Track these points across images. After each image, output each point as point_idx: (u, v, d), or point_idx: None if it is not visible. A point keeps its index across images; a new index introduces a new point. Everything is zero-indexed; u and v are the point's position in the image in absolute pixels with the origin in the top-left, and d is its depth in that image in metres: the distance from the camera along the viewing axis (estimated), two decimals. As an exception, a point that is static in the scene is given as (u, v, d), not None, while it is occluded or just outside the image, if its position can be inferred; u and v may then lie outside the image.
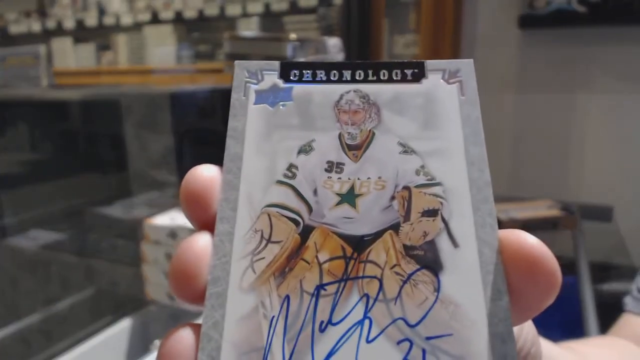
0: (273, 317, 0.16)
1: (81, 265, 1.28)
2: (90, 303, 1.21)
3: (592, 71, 1.47)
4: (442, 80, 0.19)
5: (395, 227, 0.17)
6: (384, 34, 1.46)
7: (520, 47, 1.55)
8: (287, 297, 0.16)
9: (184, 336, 0.16)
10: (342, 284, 0.16)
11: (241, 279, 0.16)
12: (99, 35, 2.78)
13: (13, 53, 1.33)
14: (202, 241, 0.17)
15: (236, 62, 0.20)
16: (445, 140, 0.18)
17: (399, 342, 0.15)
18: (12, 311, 1.25)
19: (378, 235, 0.17)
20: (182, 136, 1.36)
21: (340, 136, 0.18)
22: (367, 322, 0.16)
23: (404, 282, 0.16)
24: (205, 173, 0.18)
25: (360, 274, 0.16)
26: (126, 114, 1.43)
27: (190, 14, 2.47)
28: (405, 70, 0.19)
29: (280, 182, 0.18)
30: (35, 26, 2.86)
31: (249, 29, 2.28)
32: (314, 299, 0.16)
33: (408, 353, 0.15)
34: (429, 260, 0.16)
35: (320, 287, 0.16)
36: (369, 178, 0.18)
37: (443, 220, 0.17)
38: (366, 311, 0.16)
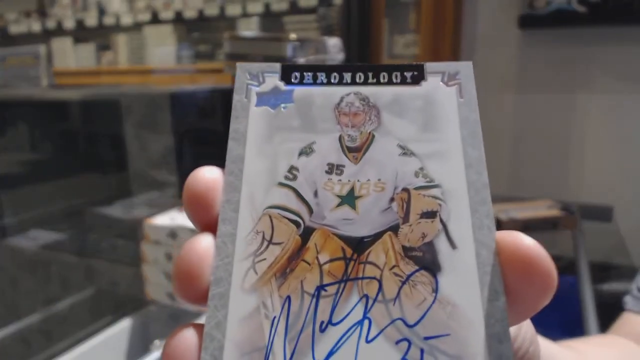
0: (274, 317, 0.16)
1: (81, 265, 1.28)
2: (90, 303, 1.21)
3: (592, 71, 1.47)
4: (441, 83, 0.19)
5: (394, 229, 0.17)
6: (384, 34, 1.46)
7: (520, 47, 1.55)
8: (288, 297, 0.16)
9: (187, 336, 0.16)
10: (342, 284, 0.17)
11: (243, 280, 0.17)
12: (99, 35, 2.78)
13: (13, 53, 1.33)
14: (205, 242, 0.17)
15: (238, 64, 0.20)
16: (444, 143, 0.18)
17: (397, 342, 0.16)
18: (12, 311, 1.25)
19: (377, 236, 0.17)
20: (182, 136, 1.36)
21: (340, 138, 0.19)
22: (366, 322, 0.16)
23: (403, 283, 0.16)
24: (208, 175, 0.18)
25: (360, 275, 0.17)
26: (126, 114, 1.43)
27: (190, 14, 2.47)
28: (405, 73, 0.19)
29: (281, 184, 0.18)
30: (35, 26, 2.86)
31: (249, 29, 2.28)
32: (314, 299, 0.16)
33: (406, 353, 0.16)
34: (427, 262, 0.17)
35: (321, 287, 0.17)
36: (368, 180, 0.18)
37: (441, 221, 0.17)
38: (366, 311, 0.16)
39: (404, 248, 0.17)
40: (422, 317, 0.16)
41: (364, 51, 1.24)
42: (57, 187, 1.39)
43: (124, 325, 0.94)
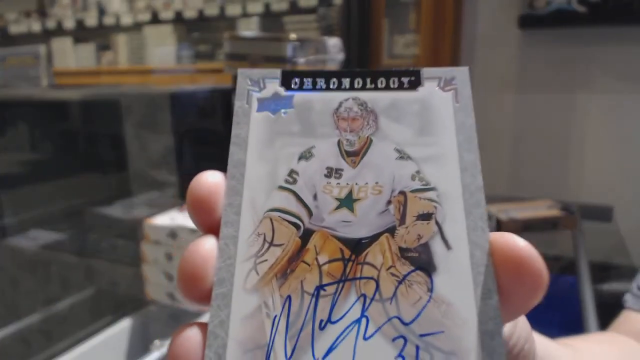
0: (275, 316, 0.17)
1: (81, 265, 1.28)
2: (90, 303, 1.21)
3: (592, 71, 1.47)
4: (437, 88, 0.20)
5: (391, 230, 0.18)
6: (384, 34, 1.46)
7: (520, 47, 1.55)
8: (289, 297, 0.17)
9: (192, 334, 0.16)
10: (341, 284, 0.17)
11: (245, 281, 0.17)
12: (99, 35, 2.78)
13: (13, 53, 1.33)
14: (208, 244, 0.17)
15: (239, 70, 0.20)
16: (440, 147, 0.19)
17: (394, 339, 0.16)
18: (12, 311, 1.25)
19: (375, 238, 0.18)
20: (182, 136, 1.36)
21: (339, 143, 0.19)
22: (364, 320, 0.17)
23: (399, 283, 0.17)
24: (210, 179, 0.18)
25: (358, 275, 0.17)
26: (126, 114, 1.43)
27: (190, 14, 2.47)
28: (402, 78, 0.20)
29: (281, 188, 0.19)
30: (35, 26, 2.86)
31: (249, 29, 2.28)
32: (314, 299, 0.17)
33: (402, 349, 0.16)
34: (423, 262, 0.17)
35: (320, 287, 0.17)
36: (366, 183, 0.19)
37: (437, 223, 0.18)
38: (363, 310, 0.17)
39: (401, 249, 0.17)
40: (418, 316, 0.16)
41: (364, 51, 1.24)
42: (57, 187, 1.39)
43: (124, 325, 0.94)
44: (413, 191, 0.18)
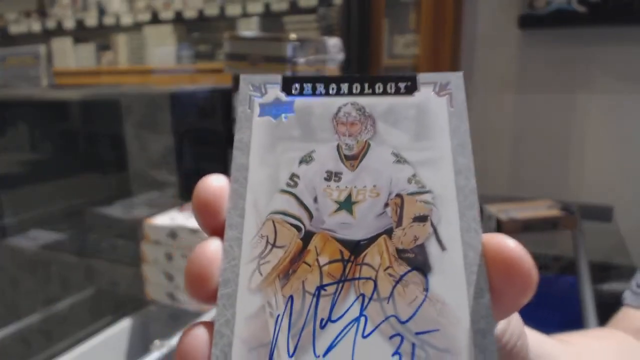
0: (278, 315, 0.17)
1: (81, 265, 1.28)
2: (90, 303, 1.21)
3: (592, 71, 1.47)
4: (433, 93, 0.20)
5: (388, 232, 0.18)
6: (384, 34, 1.46)
7: (520, 47, 1.55)
8: (291, 297, 0.18)
9: (199, 333, 0.17)
10: (341, 284, 0.18)
11: (249, 281, 0.18)
12: (99, 35, 2.78)
13: (13, 53, 1.33)
14: (213, 246, 0.18)
15: (241, 76, 0.21)
16: (435, 151, 0.19)
17: (391, 337, 0.17)
18: (12, 311, 1.25)
19: (373, 239, 0.18)
20: (182, 136, 1.36)
21: (338, 147, 0.20)
22: (362, 319, 0.17)
23: (396, 283, 0.18)
24: (215, 183, 0.19)
25: (357, 276, 0.18)
26: (126, 114, 1.43)
27: (190, 14, 2.47)
28: (399, 84, 0.21)
29: (283, 191, 0.19)
30: (35, 26, 2.86)
31: (249, 29, 2.28)
32: (315, 298, 0.18)
33: (399, 347, 0.17)
34: (419, 263, 0.18)
35: (321, 287, 0.18)
36: (365, 186, 0.19)
37: (432, 225, 0.18)
38: (362, 309, 0.17)
39: (398, 250, 0.18)
40: (414, 314, 0.17)
41: (364, 51, 1.24)
42: (57, 187, 1.39)
43: (124, 325, 0.94)
44: (409, 194, 0.19)
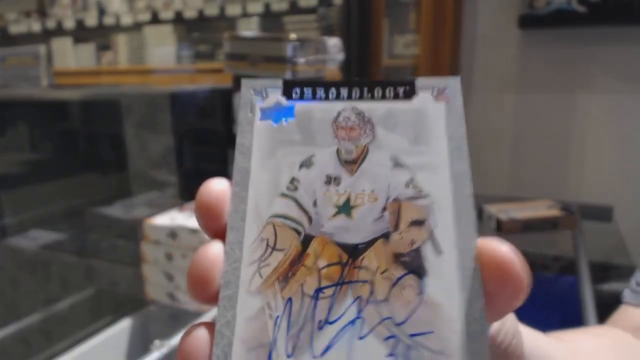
0: (277, 317, 0.18)
1: (81, 265, 1.28)
2: (90, 303, 1.21)
3: (592, 71, 1.47)
4: (431, 98, 0.21)
5: (386, 236, 0.19)
6: (384, 34, 1.46)
7: (520, 47, 1.55)
8: (290, 299, 0.18)
9: (201, 334, 0.18)
10: (338, 287, 0.18)
11: (249, 283, 0.18)
12: (99, 35, 2.78)
13: (13, 53, 1.33)
14: (215, 249, 0.19)
15: (243, 80, 0.21)
16: (432, 155, 0.20)
17: (386, 339, 0.17)
18: (12, 311, 1.25)
19: (370, 243, 0.19)
20: (182, 136, 1.36)
21: (338, 151, 0.20)
22: (359, 321, 0.18)
23: (393, 286, 0.18)
24: (217, 187, 0.19)
25: (354, 279, 0.18)
26: (126, 114, 1.43)
27: (190, 14, 2.47)
28: (398, 89, 0.21)
29: (283, 195, 0.20)
30: (35, 26, 2.86)
31: (249, 29, 2.28)
32: (313, 300, 0.18)
33: (394, 348, 0.17)
34: (415, 266, 0.18)
35: (319, 290, 0.18)
36: (363, 190, 0.20)
37: (428, 230, 0.19)
38: (359, 311, 0.18)
39: (394, 254, 0.18)
40: (409, 317, 0.18)
41: (364, 51, 1.24)
42: (57, 187, 1.39)
43: (124, 325, 0.94)
44: (407, 198, 0.19)
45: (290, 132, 0.21)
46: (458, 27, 1.59)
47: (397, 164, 0.20)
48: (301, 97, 0.21)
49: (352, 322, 0.18)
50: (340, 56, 0.99)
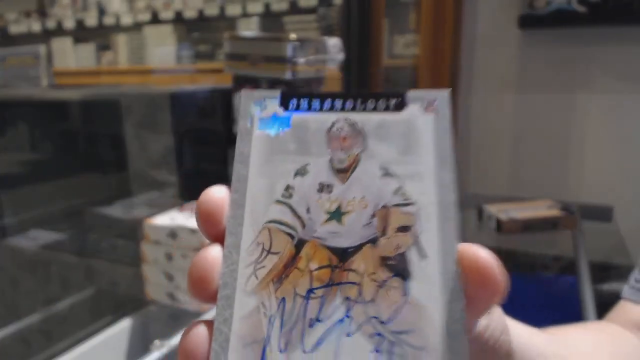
0: (271, 315, 0.19)
1: (81, 265, 1.28)
2: (90, 303, 1.21)
3: (592, 71, 1.47)
4: (420, 110, 0.22)
5: (374, 241, 0.20)
6: (384, 34, 1.46)
7: (520, 47, 1.55)
8: (283, 299, 0.19)
9: (200, 331, 0.19)
10: (329, 288, 0.20)
11: (246, 284, 0.20)
12: (99, 35, 2.78)
13: (13, 53, 1.33)
14: (214, 252, 0.20)
15: (242, 91, 0.23)
16: (420, 165, 0.21)
17: (372, 336, 0.19)
18: (12, 311, 1.25)
19: (359, 247, 0.20)
20: (182, 136, 1.36)
21: (330, 161, 0.21)
22: (347, 319, 0.19)
23: (379, 287, 0.19)
24: (217, 194, 0.21)
25: (344, 280, 0.20)
26: (126, 114, 1.43)
27: (190, 14, 2.47)
28: (389, 101, 0.22)
29: (279, 202, 0.21)
30: (35, 26, 2.86)
31: (249, 29, 2.28)
32: (305, 300, 0.19)
33: (379, 345, 0.18)
34: (400, 269, 0.19)
35: (310, 291, 0.19)
36: (354, 198, 0.21)
37: (414, 235, 0.20)
38: (347, 311, 0.19)
39: (381, 257, 0.20)
40: (394, 316, 0.19)
41: (364, 51, 1.24)
42: (57, 187, 1.39)
43: (124, 325, 0.94)
44: (395, 205, 0.20)
45: (286, 142, 0.22)
46: (458, 27, 1.59)
47: (386, 173, 0.21)
48: (297, 108, 0.22)
49: (341, 320, 0.19)
50: (340, 56, 0.99)
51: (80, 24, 2.74)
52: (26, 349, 1.07)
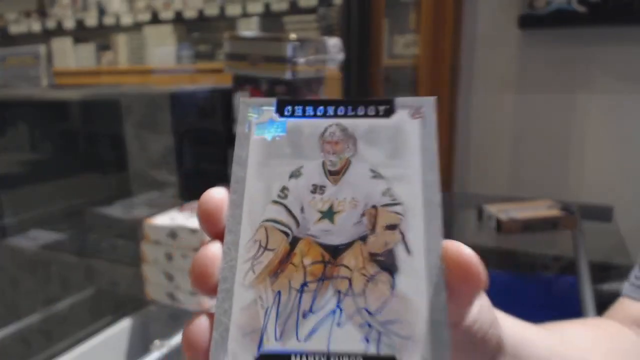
0: (268, 307, 0.21)
1: (81, 265, 1.28)
2: (90, 303, 1.21)
3: (592, 71, 1.47)
4: (408, 116, 0.23)
5: (363, 238, 0.22)
6: (384, 34, 1.46)
7: (520, 47, 1.55)
8: (279, 292, 0.21)
9: (202, 321, 0.21)
10: (321, 282, 0.21)
11: (244, 278, 0.21)
12: (99, 35, 2.78)
13: (13, 53, 1.33)
14: (214, 248, 0.22)
15: (241, 99, 0.25)
16: (407, 168, 0.22)
17: (361, 326, 0.20)
18: (12, 311, 1.25)
19: (350, 244, 0.22)
20: (182, 136, 1.36)
21: (323, 163, 0.23)
22: (338, 311, 0.20)
23: (368, 281, 0.21)
24: (216, 195, 0.22)
25: (335, 275, 0.21)
26: (126, 114, 1.43)
27: (190, 14, 2.47)
28: (379, 107, 0.24)
29: (275, 202, 0.22)
30: (35, 26, 2.86)
31: (249, 29, 2.28)
32: (299, 293, 0.21)
33: (368, 334, 0.20)
34: (388, 265, 0.21)
35: (304, 284, 0.21)
36: (345, 198, 0.22)
37: (401, 233, 0.21)
38: (338, 303, 0.21)
39: (370, 254, 0.21)
40: (382, 308, 0.20)
41: (364, 51, 1.24)
42: (57, 187, 1.39)
43: (124, 325, 0.94)
44: (383, 205, 0.22)
45: (281, 146, 0.23)
46: (458, 27, 1.59)
47: (375, 175, 0.22)
48: (292, 114, 0.24)
49: (333, 312, 0.20)
50: (340, 56, 0.99)
51: (80, 24, 2.74)
52: (26, 349, 1.07)
